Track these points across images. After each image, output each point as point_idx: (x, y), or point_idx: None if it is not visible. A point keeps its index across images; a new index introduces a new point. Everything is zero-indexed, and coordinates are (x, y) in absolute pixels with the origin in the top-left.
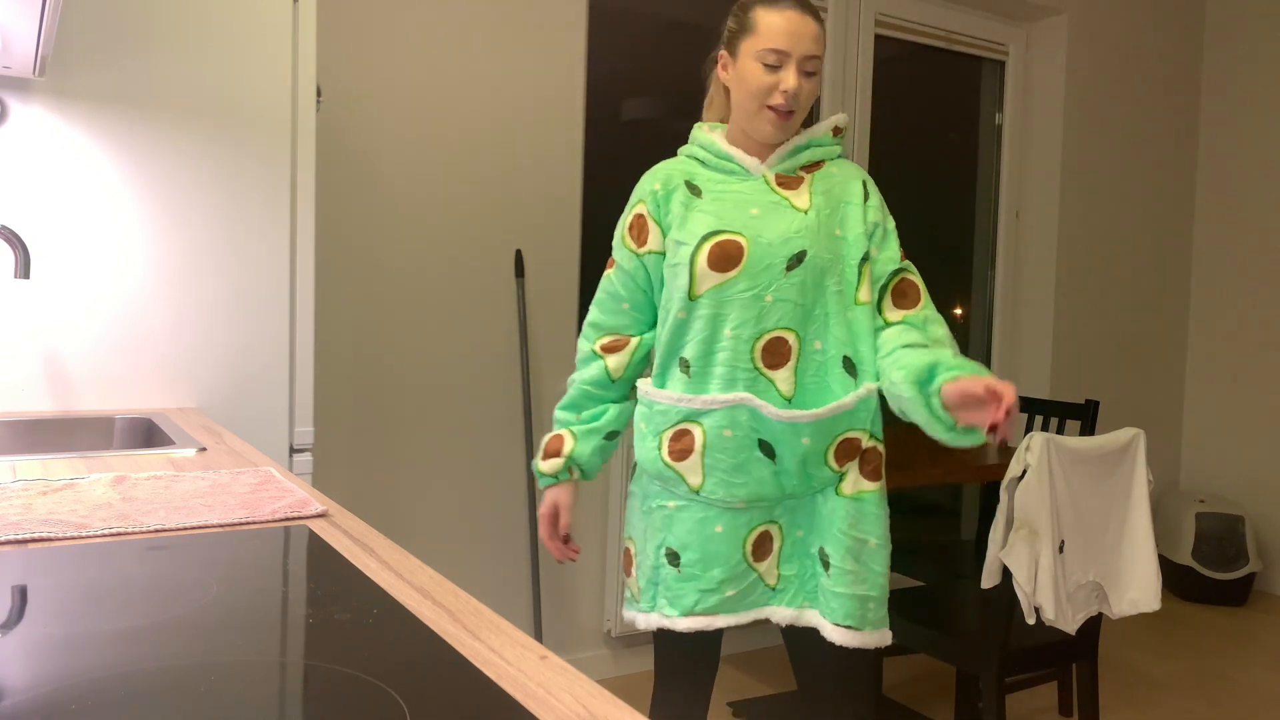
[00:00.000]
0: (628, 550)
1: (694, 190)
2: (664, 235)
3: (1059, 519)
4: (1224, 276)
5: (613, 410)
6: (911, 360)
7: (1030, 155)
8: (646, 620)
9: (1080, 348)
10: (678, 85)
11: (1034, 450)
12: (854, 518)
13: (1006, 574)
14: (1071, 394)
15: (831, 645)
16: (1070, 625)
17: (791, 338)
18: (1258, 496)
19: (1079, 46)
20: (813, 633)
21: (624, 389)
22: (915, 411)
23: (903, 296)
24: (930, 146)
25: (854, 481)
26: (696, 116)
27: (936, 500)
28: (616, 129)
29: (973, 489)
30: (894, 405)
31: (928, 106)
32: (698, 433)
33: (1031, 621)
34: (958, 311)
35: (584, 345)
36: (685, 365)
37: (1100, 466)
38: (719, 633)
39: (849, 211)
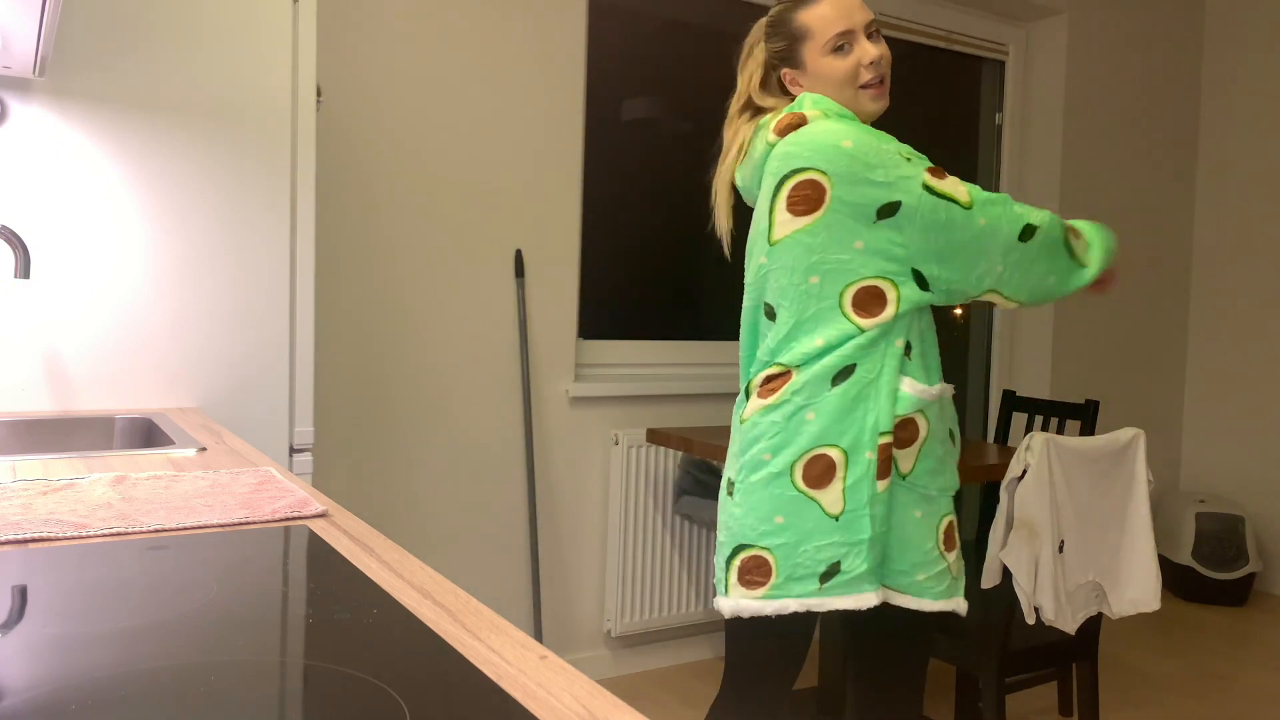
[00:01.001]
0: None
1: None
2: None
3: (1059, 519)
4: (1224, 276)
5: None
6: None
7: (1030, 155)
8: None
9: (1080, 348)
10: (678, 85)
11: (1034, 450)
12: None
13: (1006, 574)
14: (1071, 394)
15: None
16: (1070, 625)
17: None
18: (1258, 496)
19: (1079, 46)
20: (892, 617)
21: None
22: None
23: None
24: (930, 146)
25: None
26: (697, 116)
27: None
28: (616, 129)
29: (973, 489)
30: None
31: (928, 106)
32: (922, 423)
33: (1031, 621)
34: (958, 311)
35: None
36: (915, 351)
37: (1100, 466)
38: (810, 633)
39: None
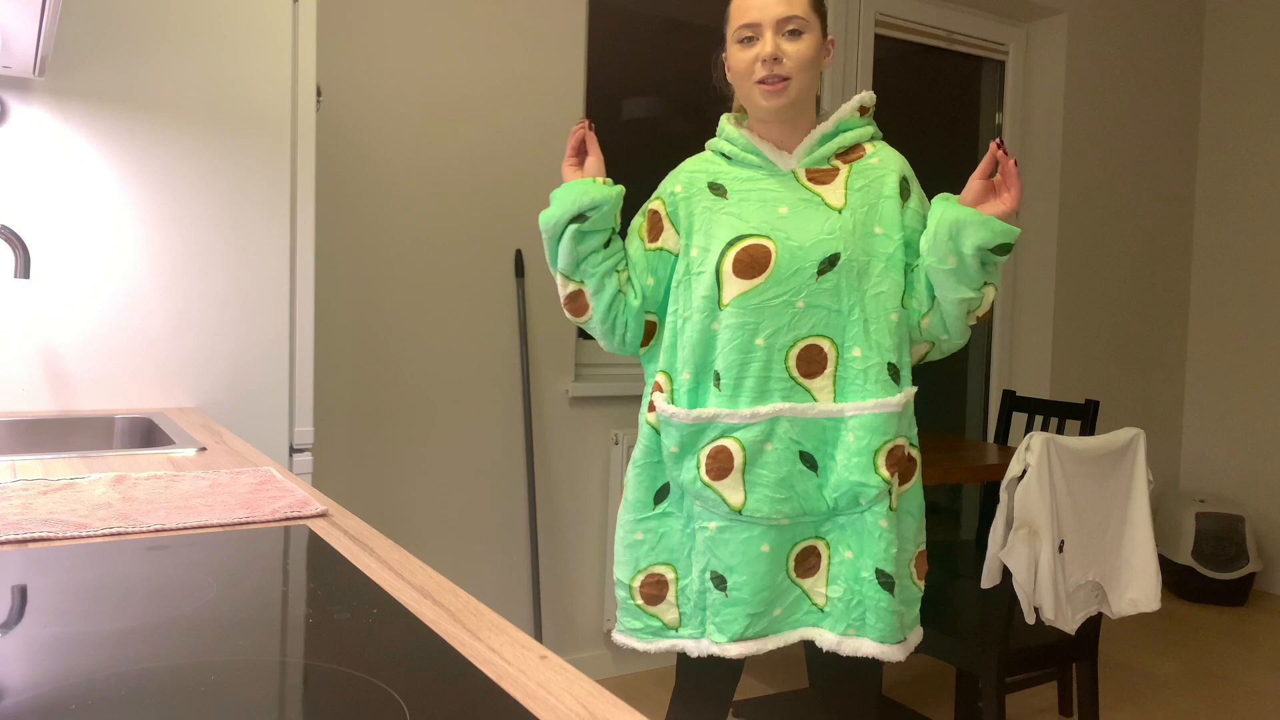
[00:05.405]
0: (659, 576)
1: (718, 190)
2: (678, 237)
3: (1059, 519)
4: (1224, 276)
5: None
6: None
7: (1030, 155)
8: (698, 647)
9: (1080, 348)
10: (678, 85)
11: (1034, 450)
12: (899, 531)
13: (1006, 574)
14: (1071, 394)
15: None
16: (1070, 625)
17: (827, 345)
18: (1258, 496)
19: (1079, 46)
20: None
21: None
22: (960, 272)
23: None
24: (930, 146)
25: (897, 495)
26: (696, 116)
27: (936, 500)
28: (616, 129)
29: (973, 489)
30: (944, 293)
31: (928, 106)
32: (735, 448)
33: (1031, 621)
34: None
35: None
36: (717, 378)
37: (1100, 466)
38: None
39: (885, 207)
